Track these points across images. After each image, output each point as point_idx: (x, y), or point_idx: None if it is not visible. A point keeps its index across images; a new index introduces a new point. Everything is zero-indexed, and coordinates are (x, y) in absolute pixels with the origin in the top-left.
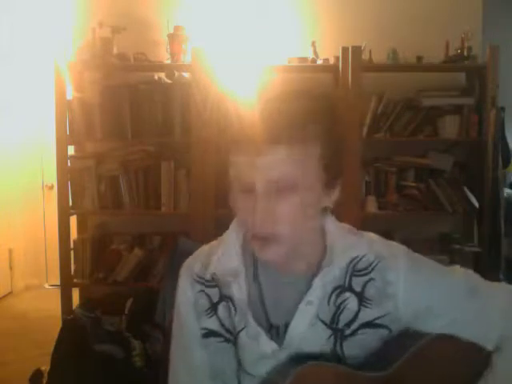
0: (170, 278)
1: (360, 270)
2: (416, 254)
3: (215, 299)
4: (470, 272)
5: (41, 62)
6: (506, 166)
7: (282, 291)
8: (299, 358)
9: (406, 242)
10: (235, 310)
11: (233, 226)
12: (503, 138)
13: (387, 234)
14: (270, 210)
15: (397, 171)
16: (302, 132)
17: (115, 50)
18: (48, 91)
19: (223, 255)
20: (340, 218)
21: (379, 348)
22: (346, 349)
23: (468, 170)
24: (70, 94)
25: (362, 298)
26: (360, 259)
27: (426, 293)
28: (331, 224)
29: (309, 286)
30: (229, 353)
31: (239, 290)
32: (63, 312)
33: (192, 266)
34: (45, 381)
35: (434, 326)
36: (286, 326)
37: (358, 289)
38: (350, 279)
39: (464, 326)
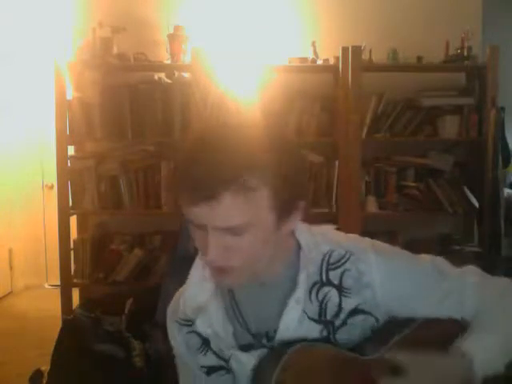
0: (170, 278)
1: (334, 263)
2: (383, 244)
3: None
4: (437, 257)
5: (41, 61)
6: (506, 165)
7: (262, 299)
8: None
9: (406, 242)
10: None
11: (198, 256)
12: (503, 138)
13: (387, 234)
14: (221, 247)
15: (397, 171)
16: (244, 184)
17: (115, 50)
18: (48, 91)
19: (190, 291)
20: (340, 218)
21: (370, 335)
22: (339, 338)
23: (468, 170)
24: (70, 94)
25: (341, 289)
26: (331, 253)
27: (399, 280)
28: (298, 225)
29: (290, 285)
30: (232, 382)
31: (211, 325)
32: (63, 312)
33: (174, 309)
34: (45, 381)
35: (412, 310)
36: (275, 330)
37: (335, 281)
38: (327, 273)
39: (438, 306)
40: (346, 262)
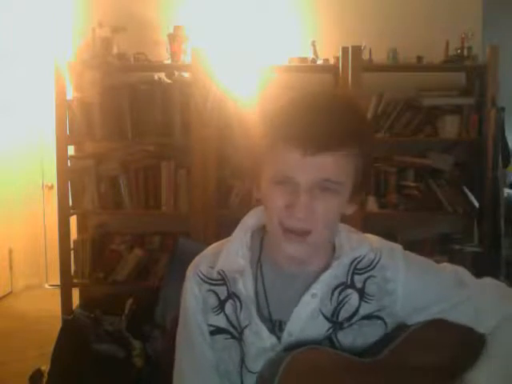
0: (170, 278)
1: (361, 269)
2: (411, 253)
3: (223, 297)
4: (458, 267)
5: (41, 61)
6: (506, 165)
7: (285, 288)
8: (295, 347)
9: (406, 242)
10: (241, 306)
11: (240, 226)
12: (503, 138)
13: (387, 235)
14: (311, 207)
15: (397, 171)
16: (349, 142)
17: (115, 50)
18: (48, 91)
19: (231, 253)
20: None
21: (374, 341)
22: (341, 338)
23: (468, 170)
24: (70, 94)
25: (362, 294)
26: (361, 259)
27: (421, 290)
28: (339, 226)
29: (313, 281)
30: (234, 350)
31: (245, 287)
32: (63, 312)
33: (199, 265)
34: (45, 380)
35: (426, 317)
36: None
37: (359, 285)
38: (352, 277)
39: (450, 311)
40: (372, 268)
